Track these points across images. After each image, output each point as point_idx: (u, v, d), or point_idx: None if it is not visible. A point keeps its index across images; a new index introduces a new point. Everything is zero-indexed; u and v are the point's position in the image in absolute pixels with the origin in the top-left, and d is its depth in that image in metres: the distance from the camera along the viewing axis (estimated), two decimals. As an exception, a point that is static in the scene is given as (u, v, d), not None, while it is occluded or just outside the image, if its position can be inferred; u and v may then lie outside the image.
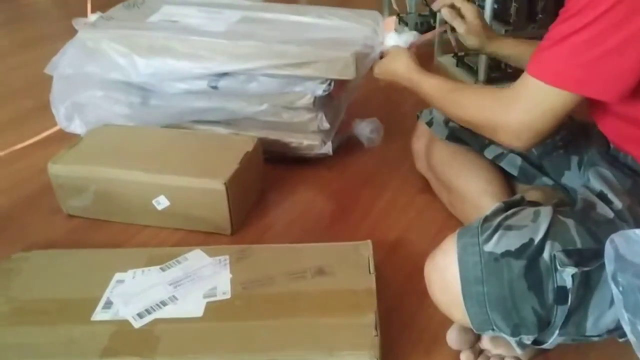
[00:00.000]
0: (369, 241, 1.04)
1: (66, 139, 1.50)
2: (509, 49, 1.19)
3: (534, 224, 0.74)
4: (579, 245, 0.73)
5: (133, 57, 1.30)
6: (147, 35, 1.32)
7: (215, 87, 1.30)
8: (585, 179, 0.91)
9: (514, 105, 0.82)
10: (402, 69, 1.12)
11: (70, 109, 1.43)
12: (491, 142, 1.12)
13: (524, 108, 0.81)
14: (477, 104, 0.91)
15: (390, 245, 1.14)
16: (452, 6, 1.19)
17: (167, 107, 1.35)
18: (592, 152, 0.96)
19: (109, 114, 1.37)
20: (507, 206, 0.79)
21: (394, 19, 1.30)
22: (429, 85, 1.04)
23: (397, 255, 1.11)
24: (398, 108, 1.70)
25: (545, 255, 0.72)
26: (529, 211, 0.76)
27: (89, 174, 1.19)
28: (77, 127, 1.44)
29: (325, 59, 1.24)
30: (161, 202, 1.17)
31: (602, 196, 0.83)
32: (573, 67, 0.75)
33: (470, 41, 1.19)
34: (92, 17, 1.48)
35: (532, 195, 1.10)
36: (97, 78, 1.34)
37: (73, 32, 1.46)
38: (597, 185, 0.85)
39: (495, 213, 0.77)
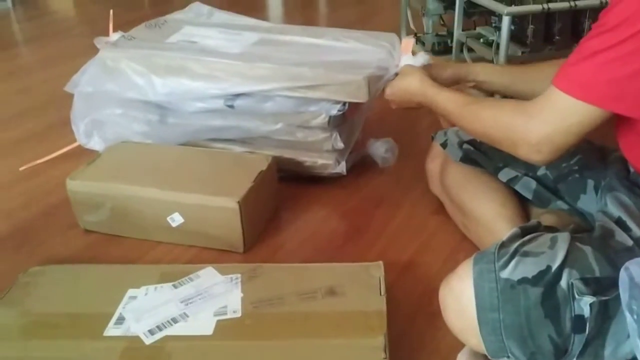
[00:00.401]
0: (381, 262, 1.04)
1: (85, 154, 1.53)
2: (490, 74, 1.17)
3: (552, 251, 0.73)
4: (597, 274, 0.72)
5: (150, 76, 1.32)
6: (165, 56, 1.34)
7: (231, 106, 1.32)
8: (603, 204, 0.90)
9: (537, 117, 0.80)
10: (415, 84, 1.11)
11: (89, 126, 1.46)
12: (506, 165, 1.11)
13: (548, 121, 0.79)
14: (496, 117, 0.89)
15: (402, 267, 1.14)
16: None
17: (184, 125, 1.37)
18: (610, 177, 0.94)
19: (127, 131, 1.40)
20: (524, 232, 0.78)
21: (412, 40, 1.29)
22: (445, 98, 1.02)
23: (409, 277, 1.11)
24: (413, 128, 1.71)
25: (563, 283, 0.71)
26: (546, 237, 0.76)
27: (105, 191, 1.21)
28: (96, 143, 1.47)
29: (338, 82, 1.25)
30: (175, 219, 1.18)
31: (620, 223, 0.82)
32: (604, 82, 0.73)
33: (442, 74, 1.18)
34: (114, 36, 1.51)
35: (547, 219, 1.09)
36: (116, 96, 1.37)
37: (95, 50, 1.49)
38: (616, 211, 0.84)
39: (512, 239, 0.76)
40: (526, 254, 0.73)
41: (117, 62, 1.35)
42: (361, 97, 1.25)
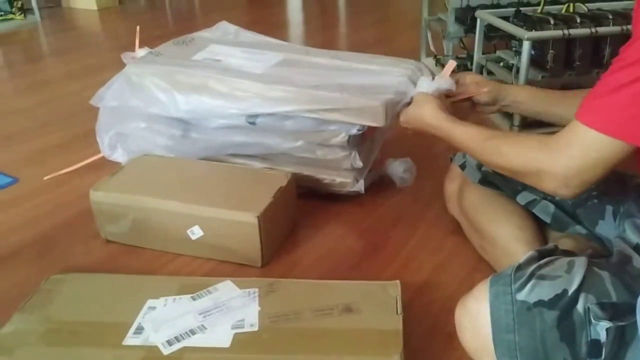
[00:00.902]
0: (397, 281, 1.04)
1: (108, 166, 1.57)
2: (529, 96, 1.18)
3: (568, 275, 0.73)
4: (614, 299, 0.72)
5: (173, 93, 1.35)
6: (188, 73, 1.37)
7: (253, 123, 1.34)
8: (621, 230, 0.90)
9: (563, 152, 0.80)
10: (428, 117, 1.11)
11: (114, 139, 1.49)
12: (524, 188, 1.12)
13: (574, 155, 0.79)
14: (521, 151, 0.88)
15: (418, 286, 1.14)
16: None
17: (206, 141, 1.39)
18: (629, 203, 0.95)
19: (151, 144, 1.42)
20: (541, 255, 0.79)
21: (453, 63, 1.25)
22: (462, 133, 1.02)
23: (425, 297, 1.11)
24: (431, 148, 1.71)
25: (579, 307, 0.71)
26: (563, 261, 0.76)
27: (128, 202, 1.24)
28: (119, 155, 1.50)
29: (356, 106, 1.26)
30: (195, 232, 1.20)
31: (638, 249, 0.82)
32: (628, 117, 0.73)
33: (482, 97, 1.20)
34: (140, 51, 1.55)
35: (564, 243, 1.09)
36: (140, 111, 1.39)
37: (121, 63, 1.53)
38: (634, 237, 0.84)
39: (529, 261, 0.77)
40: (543, 277, 0.74)
41: (142, 77, 1.39)
42: (378, 121, 1.26)
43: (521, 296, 0.72)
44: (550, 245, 0.85)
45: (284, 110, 1.29)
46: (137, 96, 1.39)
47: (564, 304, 0.71)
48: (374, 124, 1.27)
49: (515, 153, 0.89)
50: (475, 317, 0.76)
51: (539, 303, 0.72)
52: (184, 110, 1.35)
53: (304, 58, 1.47)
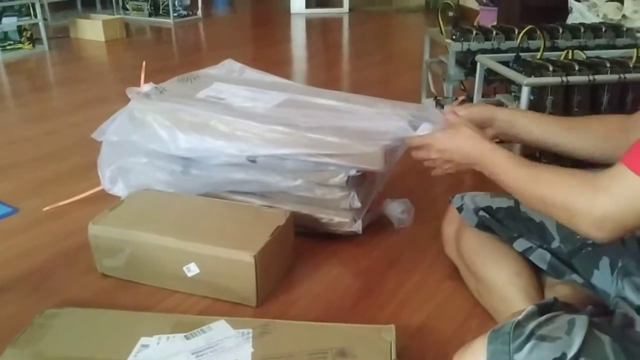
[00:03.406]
0: (392, 326, 1.03)
1: (107, 198, 1.58)
2: (527, 122, 1.12)
3: (568, 337, 0.72)
4: None
5: (175, 131, 1.37)
6: (190, 111, 1.39)
7: (253, 161, 1.35)
8: (620, 288, 0.89)
9: (604, 194, 0.77)
10: (470, 142, 1.03)
11: (115, 173, 1.50)
12: (521, 235, 1.12)
13: (615, 199, 0.76)
14: (558, 185, 0.84)
15: (414, 331, 1.13)
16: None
17: (206, 177, 1.40)
18: (627, 259, 0.94)
19: (151, 179, 1.43)
20: (541, 310, 0.77)
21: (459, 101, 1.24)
22: (501, 155, 0.96)
23: (421, 342, 1.10)
24: (430, 189, 1.72)
25: None
26: (564, 320, 0.75)
27: (125, 237, 1.24)
28: (119, 190, 1.51)
29: (355, 152, 1.27)
30: (191, 269, 1.20)
31: None
32: None
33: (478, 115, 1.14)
34: (145, 87, 1.57)
35: (561, 290, 1.09)
36: (141, 146, 1.41)
37: (125, 96, 1.55)
38: (635, 299, 0.83)
39: (528, 317, 0.75)
40: (542, 338, 0.72)
41: (144, 114, 1.41)
42: (377, 166, 1.27)
43: (519, 357, 0.71)
44: (550, 298, 0.83)
45: (284, 153, 1.30)
46: (139, 132, 1.40)
47: None
48: (372, 169, 1.28)
49: (553, 186, 0.85)
50: None
51: None
52: (184, 149, 1.36)
53: (306, 99, 1.49)
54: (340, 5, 5.30)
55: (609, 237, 0.79)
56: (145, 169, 1.44)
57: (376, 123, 1.33)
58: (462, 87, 2.29)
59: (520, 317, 0.76)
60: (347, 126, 1.33)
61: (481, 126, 1.12)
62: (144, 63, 1.78)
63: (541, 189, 0.87)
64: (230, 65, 1.72)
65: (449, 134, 1.08)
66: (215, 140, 1.33)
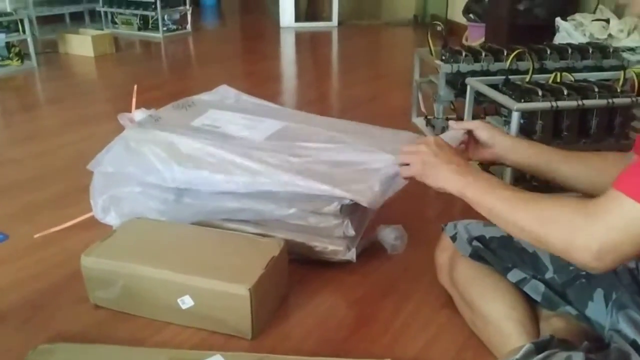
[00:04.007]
0: (389, 360, 1.04)
1: (99, 224, 1.57)
2: (526, 148, 1.14)
3: None
4: None
5: (171, 163, 1.36)
6: (186, 143, 1.38)
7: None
8: (614, 321, 0.89)
9: (601, 222, 0.75)
10: (452, 166, 1.01)
11: (107, 202, 1.49)
12: (514, 266, 1.13)
13: (613, 227, 0.74)
14: (553, 213, 0.81)
15: (409, 363, 1.13)
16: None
17: (199, 206, 1.40)
18: (622, 291, 0.95)
19: (144, 208, 1.43)
20: (538, 348, 0.78)
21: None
22: (489, 179, 0.93)
23: (416, 374, 1.11)
24: (422, 214, 1.73)
25: None
26: (561, 358, 0.75)
27: (118, 269, 1.23)
28: (112, 219, 1.50)
29: (350, 187, 1.27)
30: (186, 302, 1.19)
31: (635, 345, 0.81)
32: None
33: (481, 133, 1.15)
34: (137, 112, 1.57)
35: (555, 322, 1.09)
36: (136, 179, 1.40)
37: (116, 115, 1.54)
38: (630, 333, 0.84)
39: (526, 356, 0.76)
40: None
41: (140, 144, 1.40)
42: (371, 203, 1.27)
43: None
44: (546, 336, 0.84)
45: (279, 191, 1.30)
46: (135, 164, 1.39)
47: None
48: (366, 204, 1.28)
49: (548, 214, 0.82)
50: None
51: None
52: (180, 181, 1.36)
53: (301, 128, 1.48)
54: (330, 19, 5.33)
55: (609, 267, 0.77)
56: (138, 197, 1.44)
57: (371, 156, 1.32)
58: (453, 107, 2.31)
59: (518, 355, 0.77)
60: (342, 159, 1.33)
61: (482, 145, 1.15)
62: (135, 87, 1.78)
63: (537, 220, 0.84)
64: (224, 92, 1.72)
65: (432, 159, 1.03)
66: (212, 175, 1.33)
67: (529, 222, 0.85)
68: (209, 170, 1.33)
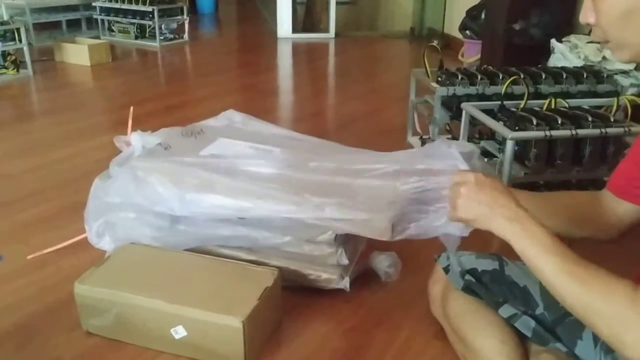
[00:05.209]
0: (380, 397, 1.04)
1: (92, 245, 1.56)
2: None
3: None
4: None
5: (180, 194, 1.34)
6: (195, 174, 1.37)
7: (242, 217, 1.36)
8: (603, 363, 0.90)
9: None
10: (505, 193, 0.91)
11: (102, 227, 1.49)
12: (505, 301, 1.13)
13: None
14: (602, 306, 0.76)
15: (401, 397, 1.14)
16: None
17: (193, 233, 1.40)
18: None
19: (138, 234, 1.43)
20: None
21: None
22: (545, 234, 0.84)
23: (407, 409, 1.11)
24: (416, 242, 1.72)
25: None
26: None
27: (112, 297, 1.23)
28: (106, 244, 1.50)
29: (362, 222, 1.23)
30: (179, 332, 1.19)
31: None
32: None
33: None
34: (133, 135, 1.56)
35: (545, 358, 1.10)
36: (144, 209, 1.40)
37: (113, 128, 1.53)
38: None
39: None
40: None
41: (148, 174, 1.38)
42: (385, 236, 1.19)
43: None
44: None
45: (288, 225, 1.31)
46: (142, 194, 1.38)
47: None
48: (380, 238, 1.22)
49: (598, 302, 0.77)
50: None
51: None
52: (188, 211, 1.35)
53: (310, 158, 1.44)
54: (327, 30, 5.35)
55: None
56: (133, 223, 1.44)
57: (383, 188, 1.25)
58: (448, 129, 2.32)
59: None
60: (354, 194, 1.28)
61: None
62: (131, 109, 1.77)
63: (588, 296, 0.79)
64: (231, 116, 1.73)
65: (474, 191, 0.93)
66: (220, 210, 1.32)
67: (578, 307, 0.82)
68: (217, 201, 1.32)
